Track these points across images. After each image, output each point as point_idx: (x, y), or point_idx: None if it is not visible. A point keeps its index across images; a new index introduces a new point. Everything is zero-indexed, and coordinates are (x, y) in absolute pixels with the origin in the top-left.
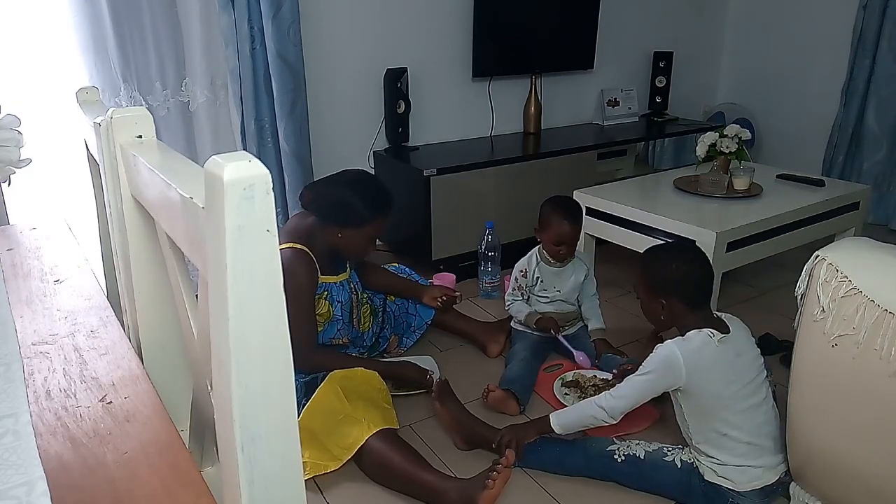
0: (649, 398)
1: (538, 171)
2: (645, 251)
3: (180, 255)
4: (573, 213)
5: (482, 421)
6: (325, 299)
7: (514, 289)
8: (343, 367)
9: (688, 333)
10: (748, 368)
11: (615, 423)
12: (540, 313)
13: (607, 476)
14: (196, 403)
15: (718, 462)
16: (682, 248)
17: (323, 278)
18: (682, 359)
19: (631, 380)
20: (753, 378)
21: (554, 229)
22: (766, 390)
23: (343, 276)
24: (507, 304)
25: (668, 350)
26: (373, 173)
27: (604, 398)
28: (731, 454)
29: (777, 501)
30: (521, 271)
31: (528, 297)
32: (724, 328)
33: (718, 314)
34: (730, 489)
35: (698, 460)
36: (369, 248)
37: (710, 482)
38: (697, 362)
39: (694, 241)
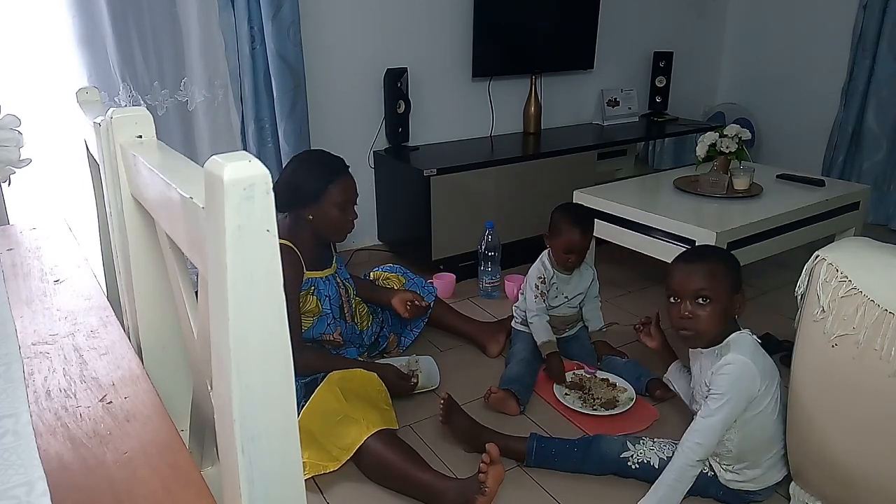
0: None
1: (538, 171)
2: (709, 251)
3: (180, 255)
4: (585, 222)
5: (490, 429)
6: (313, 294)
7: (536, 297)
8: (325, 366)
9: (732, 339)
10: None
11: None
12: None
13: (622, 476)
14: (196, 403)
15: (744, 468)
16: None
17: (309, 273)
18: (753, 365)
19: (711, 416)
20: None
21: (565, 238)
22: (776, 402)
23: (329, 271)
24: (531, 315)
25: (739, 365)
26: (319, 149)
27: (689, 450)
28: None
29: (777, 502)
30: (540, 278)
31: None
32: None
33: None
34: (749, 490)
35: (724, 468)
36: (345, 218)
37: (729, 489)
38: (761, 360)
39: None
